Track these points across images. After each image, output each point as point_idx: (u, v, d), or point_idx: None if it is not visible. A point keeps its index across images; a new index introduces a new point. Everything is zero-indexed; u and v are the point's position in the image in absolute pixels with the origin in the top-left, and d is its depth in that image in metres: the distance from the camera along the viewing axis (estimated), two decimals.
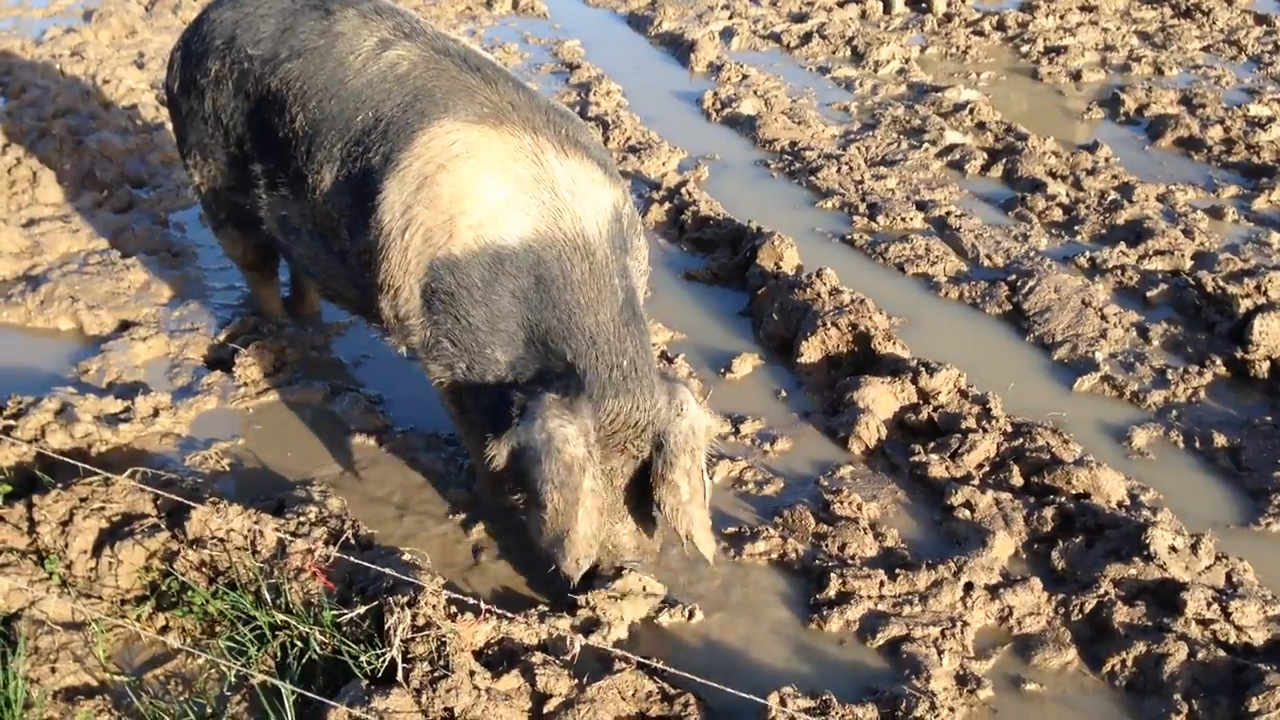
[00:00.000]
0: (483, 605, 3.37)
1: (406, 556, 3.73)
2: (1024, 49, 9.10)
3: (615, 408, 3.44)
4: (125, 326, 5.22)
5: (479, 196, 3.54)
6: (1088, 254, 5.89)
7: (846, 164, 6.95)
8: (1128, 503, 4.16)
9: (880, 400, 4.64)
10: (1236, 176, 6.91)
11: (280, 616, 3.49)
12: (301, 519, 3.88)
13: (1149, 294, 5.56)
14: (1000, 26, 9.54)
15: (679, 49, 9.03)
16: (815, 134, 7.44)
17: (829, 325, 4.98)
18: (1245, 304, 5.32)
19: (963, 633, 3.59)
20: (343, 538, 3.79)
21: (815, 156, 7.06)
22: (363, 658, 3.28)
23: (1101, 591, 3.71)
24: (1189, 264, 5.82)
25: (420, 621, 3.36)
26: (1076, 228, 6.23)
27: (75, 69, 8.07)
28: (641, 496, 3.60)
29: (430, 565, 3.76)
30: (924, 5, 10.06)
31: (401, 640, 3.31)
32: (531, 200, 3.54)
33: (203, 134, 4.46)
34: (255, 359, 4.89)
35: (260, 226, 4.39)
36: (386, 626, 3.31)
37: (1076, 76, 8.59)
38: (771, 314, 5.24)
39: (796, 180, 6.89)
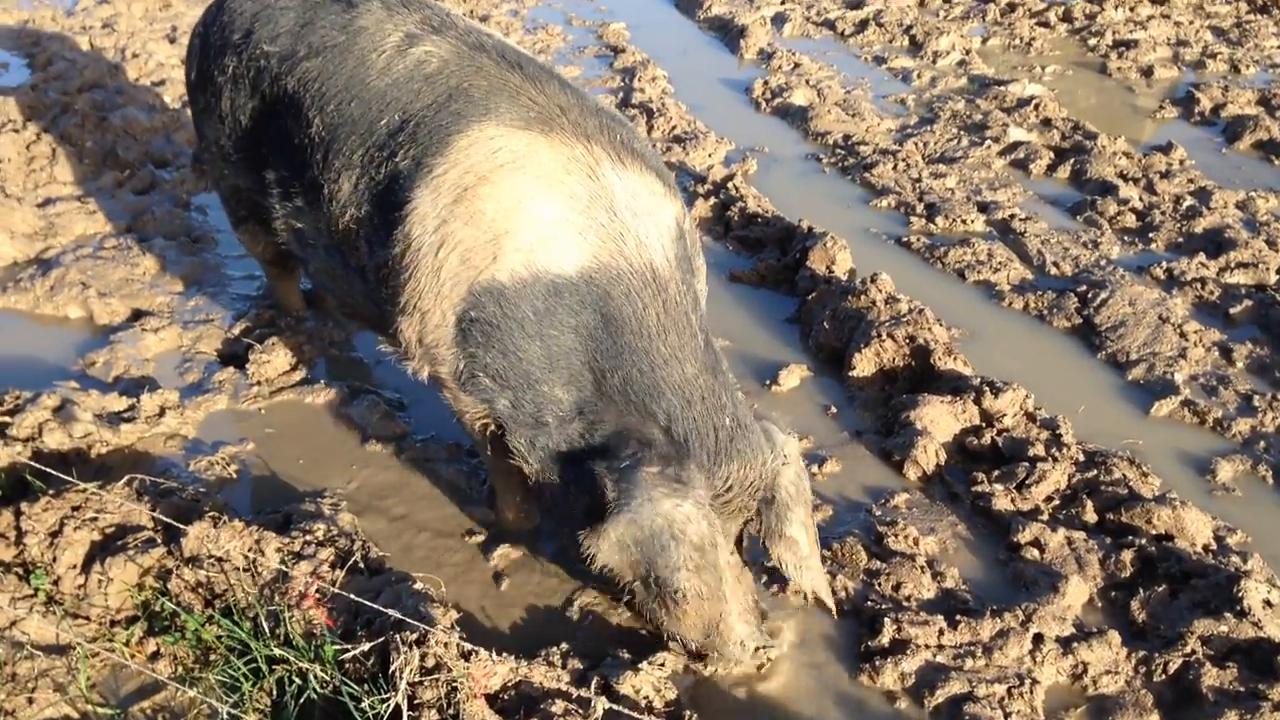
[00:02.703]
0: (493, 655, 3.05)
1: (418, 585, 3.41)
2: (1091, 42, 8.64)
3: (728, 474, 3.13)
4: (137, 316, 4.94)
5: (529, 215, 3.15)
6: (1164, 264, 5.48)
7: (903, 160, 6.56)
8: (1214, 546, 3.78)
9: (940, 421, 4.27)
10: None
11: (278, 649, 3.18)
12: (308, 538, 3.57)
13: (1232, 310, 5.14)
14: (1067, 18, 9.09)
15: (728, 34, 8.64)
16: (870, 127, 7.04)
17: (884, 337, 4.61)
18: None
19: (1032, 692, 3.24)
20: (350, 561, 3.47)
21: (870, 152, 6.67)
22: (365, 701, 2.97)
23: (1188, 650, 3.34)
24: (1275, 278, 5.39)
25: (430, 663, 3.05)
26: (1151, 235, 5.81)
27: (105, 41, 7.80)
28: (737, 544, 3.35)
29: (444, 595, 3.44)
30: None
31: (408, 684, 3.00)
32: (588, 221, 3.15)
33: (219, 132, 4.12)
34: (271, 355, 4.59)
35: (277, 233, 4.06)
36: (392, 668, 2.99)
37: (1148, 73, 8.14)
38: (822, 322, 4.87)
39: (849, 176, 6.50)
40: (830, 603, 3.37)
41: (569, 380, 3.19)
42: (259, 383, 4.52)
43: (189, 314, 4.97)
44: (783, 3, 9.27)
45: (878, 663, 3.32)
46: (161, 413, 4.28)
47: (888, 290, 4.92)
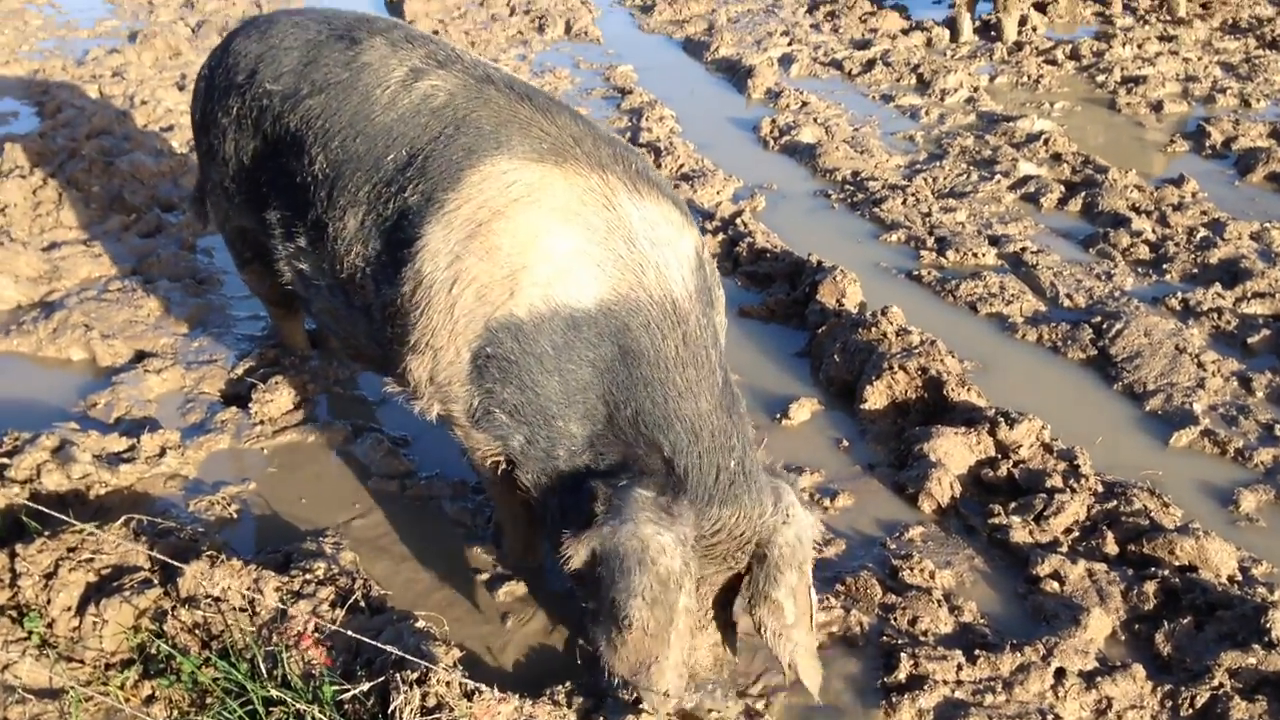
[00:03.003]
0: (496, 694, 2.94)
1: (420, 624, 3.32)
2: (1100, 79, 8.62)
3: (720, 516, 2.96)
4: (141, 357, 4.89)
5: (545, 249, 3.08)
6: (1179, 295, 5.40)
7: (912, 195, 6.51)
8: (1239, 577, 3.67)
9: (954, 453, 4.18)
10: None
11: (276, 690, 3.09)
12: (307, 576, 3.48)
13: (1250, 340, 5.05)
14: (1074, 55, 9.08)
15: (736, 75, 8.65)
16: (879, 164, 7.01)
17: (896, 368, 4.53)
18: None
19: None
20: (351, 599, 3.39)
21: (879, 187, 6.62)
22: None
23: (1215, 683, 3.23)
24: None
25: (431, 702, 2.95)
26: (1165, 266, 5.74)
27: (114, 89, 7.84)
28: (723, 601, 3.15)
29: (446, 634, 3.35)
30: (993, 34, 9.62)
31: None
32: (606, 253, 3.08)
33: (223, 175, 4.08)
34: (274, 395, 4.53)
35: (280, 274, 4.02)
36: (392, 708, 2.90)
37: (1157, 107, 8.10)
38: (833, 355, 4.80)
39: (859, 212, 6.45)
40: (813, 683, 3.05)
41: (584, 415, 3.11)
42: (262, 422, 4.46)
43: (192, 355, 4.92)
44: (790, 44, 9.28)
45: (895, 699, 3.22)
46: (162, 453, 4.22)
47: (899, 323, 4.85)
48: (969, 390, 4.49)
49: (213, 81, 4.12)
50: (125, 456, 4.17)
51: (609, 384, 3.07)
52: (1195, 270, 5.69)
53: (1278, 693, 3.19)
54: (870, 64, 8.78)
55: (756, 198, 6.46)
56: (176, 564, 3.35)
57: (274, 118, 3.73)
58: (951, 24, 9.67)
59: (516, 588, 3.66)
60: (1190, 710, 3.19)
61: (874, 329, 4.79)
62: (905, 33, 9.55)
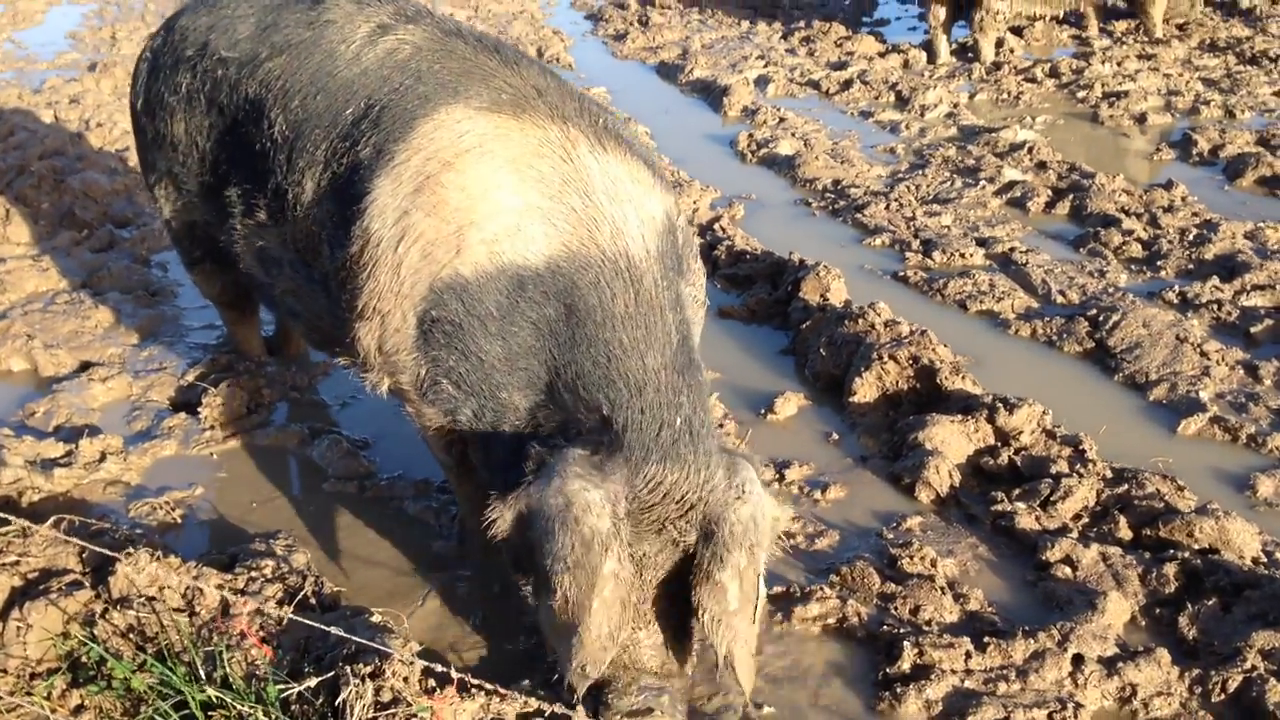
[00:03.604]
0: (468, 678, 2.64)
1: (376, 618, 3.03)
2: (1080, 94, 8.49)
3: (658, 475, 2.62)
4: (86, 367, 4.60)
5: (494, 203, 2.83)
6: (1176, 288, 5.19)
7: (895, 201, 6.31)
8: (1264, 560, 3.41)
9: (951, 441, 3.93)
10: None
11: (215, 693, 2.78)
12: (254, 574, 3.19)
13: (1253, 329, 4.83)
14: (1054, 73, 8.97)
15: (711, 95, 8.49)
16: (860, 173, 6.81)
17: (886, 359, 4.28)
18: None
19: (1075, 717, 2.84)
20: (300, 596, 3.09)
21: (861, 194, 6.42)
22: None
23: (1248, 665, 2.96)
24: None
25: (386, 696, 2.65)
26: (1160, 263, 5.53)
27: (70, 114, 7.61)
28: (675, 599, 2.73)
29: (406, 631, 3.05)
30: (970, 55, 9.52)
31: None
32: (559, 207, 2.83)
33: (172, 161, 3.83)
34: (225, 399, 4.24)
35: (238, 264, 3.76)
36: (339, 700, 2.60)
37: (1141, 119, 7.96)
38: (818, 349, 4.55)
39: (840, 218, 6.24)
40: (746, 679, 2.68)
41: (527, 384, 2.83)
42: (212, 427, 4.17)
43: (141, 364, 4.64)
44: (766, 66, 9.14)
45: (899, 690, 2.93)
46: (102, 458, 3.92)
47: (886, 315, 4.61)
48: (964, 378, 4.25)
49: (157, 62, 3.89)
50: (61, 462, 3.87)
51: (552, 347, 2.79)
52: (1191, 266, 5.49)
53: None
54: (848, 83, 8.64)
55: (735, 206, 6.24)
56: (111, 555, 3.04)
57: (230, 86, 3.49)
58: (928, 46, 9.57)
59: (483, 585, 3.37)
60: (1222, 695, 2.92)
61: (861, 320, 4.55)
62: (882, 55, 9.44)
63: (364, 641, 2.71)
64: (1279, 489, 3.81)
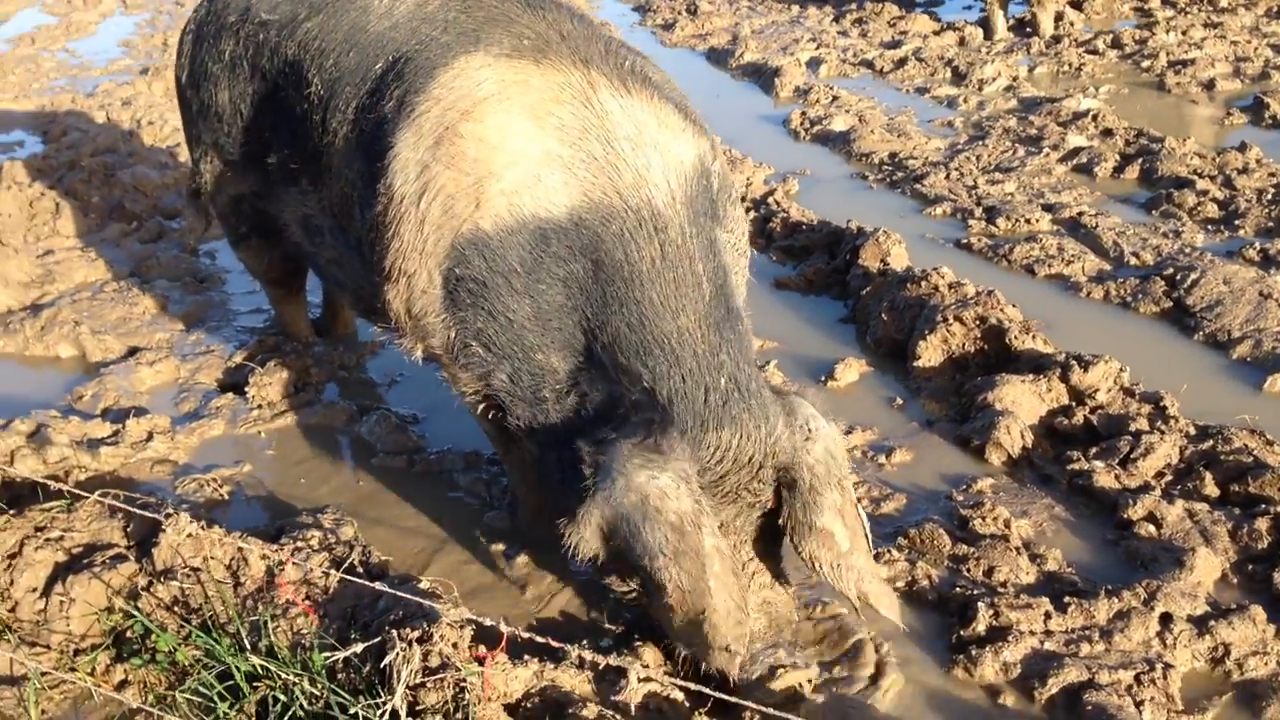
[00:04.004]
0: (519, 632, 2.51)
1: (425, 584, 2.92)
2: (1145, 64, 8.21)
3: (719, 442, 2.54)
4: (133, 352, 4.55)
5: (513, 152, 2.71)
6: (1257, 245, 4.94)
7: (956, 170, 6.11)
8: None
9: (1023, 402, 3.74)
10: None
11: (259, 662, 2.68)
12: (299, 545, 3.10)
13: None
14: (1116, 44, 8.69)
15: (762, 77, 8.32)
16: (917, 145, 6.61)
17: (952, 320, 4.11)
18: None
19: (1165, 678, 2.66)
20: (346, 564, 2.99)
21: (919, 165, 6.23)
22: (357, 707, 2.46)
23: None
24: None
25: (434, 662, 2.54)
26: (1237, 222, 5.28)
27: (122, 115, 7.63)
28: (767, 554, 2.72)
29: (456, 597, 2.93)
30: (1028, 30, 9.27)
31: (407, 686, 2.49)
32: (579, 155, 2.70)
33: (218, 132, 3.76)
34: (273, 379, 4.17)
35: (285, 235, 3.69)
36: (384, 664, 2.49)
37: (1209, 86, 7.67)
38: (880, 315, 4.38)
39: (899, 190, 6.05)
40: (890, 609, 2.68)
41: (563, 345, 2.71)
42: (260, 406, 4.10)
43: (189, 348, 4.58)
44: (817, 48, 8.96)
45: (974, 653, 2.77)
46: (149, 438, 3.86)
47: (950, 278, 4.43)
48: (1034, 338, 4.06)
49: (200, 32, 3.83)
50: (108, 441, 3.81)
51: (584, 306, 2.67)
52: (1271, 224, 5.23)
53: None
54: (902, 61, 8.44)
55: (789, 182, 6.07)
56: (152, 517, 2.96)
57: (271, 50, 3.42)
58: (985, 23, 9.33)
59: (534, 556, 3.25)
60: None
61: (924, 283, 4.37)
62: (937, 34, 9.21)
63: (412, 598, 2.60)
64: None
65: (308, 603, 2.84)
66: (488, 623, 2.48)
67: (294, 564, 2.95)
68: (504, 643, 2.48)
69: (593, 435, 2.58)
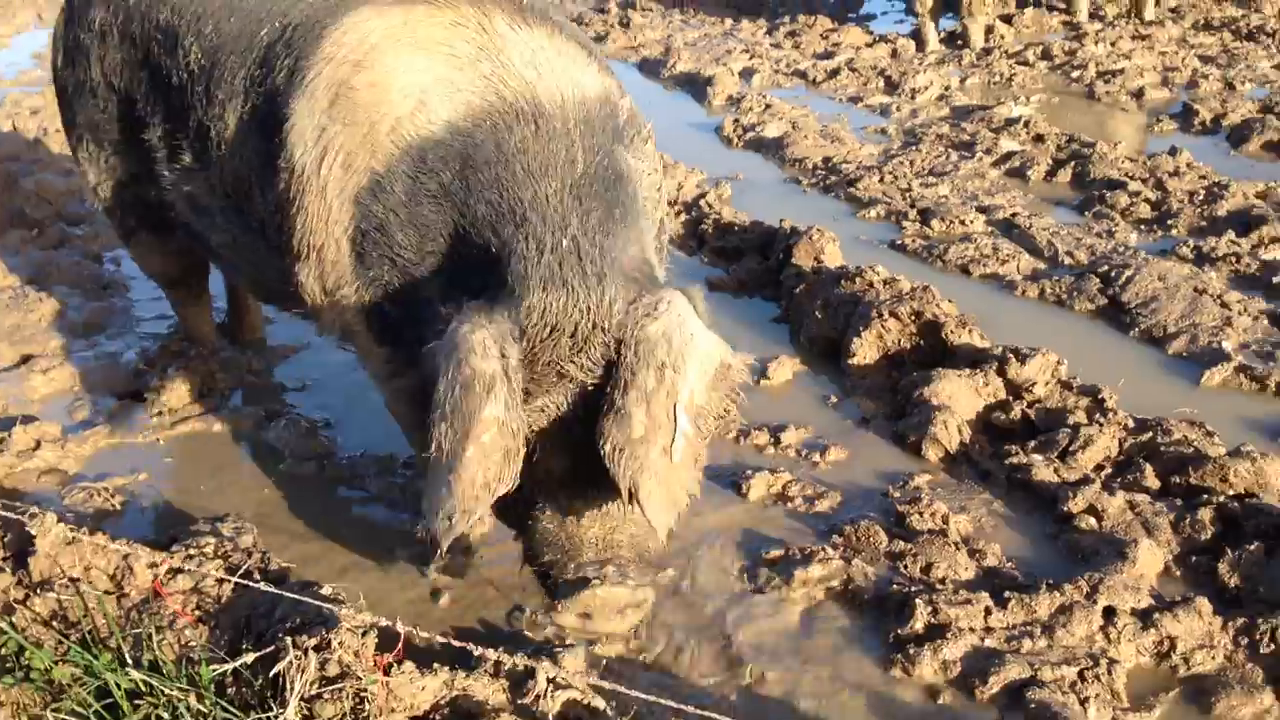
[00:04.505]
0: (416, 632, 2.32)
1: (327, 590, 2.71)
2: (1074, 74, 8.24)
3: (541, 304, 2.27)
4: (26, 360, 4.28)
5: (403, 87, 2.56)
6: (1190, 243, 4.90)
7: (890, 174, 6.03)
8: None
9: (959, 396, 3.62)
10: None
11: (142, 677, 2.45)
12: (192, 552, 2.87)
13: (1275, 280, 4.53)
14: (1046, 55, 8.72)
15: (695, 86, 8.22)
16: (851, 150, 6.53)
17: (887, 316, 3.98)
18: None
19: (1110, 674, 2.53)
20: (241, 571, 2.77)
21: (853, 169, 6.13)
22: None
23: None
24: None
25: (332, 671, 2.34)
26: (1170, 222, 5.23)
27: (29, 123, 7.33)
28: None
29: (362, 604, 2.72)
30: (960, 43, 9.28)
31: (302, 698, 2.28)
32: (468, 76, 2.55)
33: (93, 111, 3.53)
34: (174, 385, 3.93)
35: (177, 224, 3.45)
36: (274, 673, 2.28)
37: (1138, 95, 7.70)
38: (813, 313, 4.24)
39: (832, 193, 5.95)
40: (657, 515, 2.26)
41: (434, 268, 2.50)
42: (160, 413, 3.86)
43: (87, 355, 4.32)
44: (751, 59, 8.89)
45: (912, 651, 2.62)
46: (36, 446, 3.61)
47: (885, 274, 4.31)
48: (970, 332, 3.95)
49: (72, 10, 3.60)
50: None
51: (452, 213, 2.47)
52: (1203, 223, 5.20)
53: None
54: (835, 72, 8.39)
55: (722, 186, 5.93)
56: (15, 518, 2.73)
57: (142, 15, 3.21)
58: (917, 35, 9.32)
59: (450, 561, 3.05)
60: (1272, 645, 2.61)
61: (859, 280, 4.25)
62: (869, 45, 9.19)
63: (311, 601, 2.40)
64: None
65: (200, 622, 2.62)
66: (396, 628, 2.29)
67: (184, 572, 2.73)
68: (401, 646, 2.28)
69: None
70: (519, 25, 2.64)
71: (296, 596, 2.44)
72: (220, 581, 2.74)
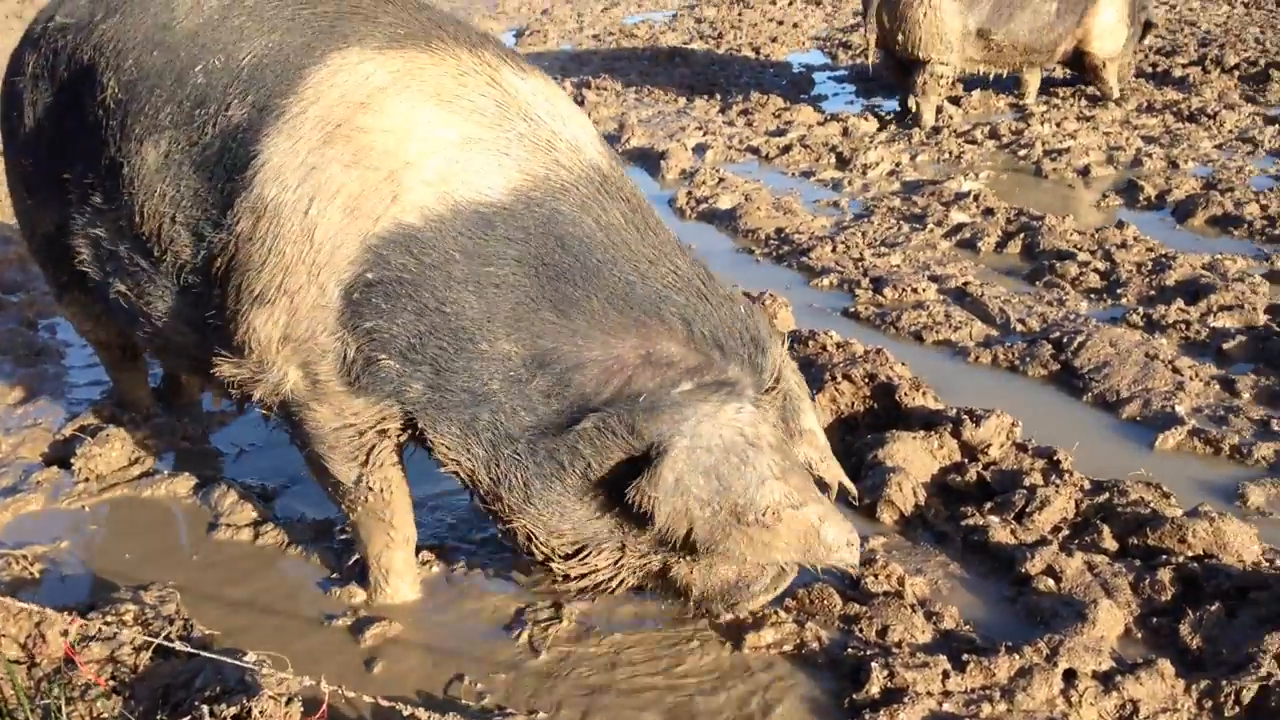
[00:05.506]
0: (345, 694, 2.18)
1: (251, 658, 2.56)
2: (1022, 153, 8.33)
3: (772, 364, 2.67)
4: None
5: (428, 139, 2.55)
6: (1140, 311, 4.90)
7: (842, 244, 6.02)
8: (1265, 563, 3.03)
9: (914, 459, 3.55)
10: None
11: None
12: (110, 620, 2.72)
13: (1225, 346, 4.54)
14: (994, 134, 8.83)
15: (648, 161, 8.23)
16: (804, 222, 6.53)
17: (840, 378, 3.92)
18: None
19: None
20: (161, 638, 2.62)
21: (806, 239, 6.12)
22: None
23: (1263, 672, 2.57)
24: (1263, 318, 4.81)
25: None
26: (1120, 290, 5.25)
27: None
28: None
29: (290, 672, 2.57)
30: (910, 122, 9.39)
31: None
32: (504, 135, 2.59)
33: (25, 159, 3.41)
34: (103, 451, 3.78)
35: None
36: None
37: (1084, 173, 7.79)
38: None
39: (785, 263, 5.93)
40: (852, 488, 2.98)
41: (514, 327, 2.52)
42: (87, 479, 3.71)
43: (14, 421, 4.16)
44: (704, 135, 8.92)
45: (868, 716, 2.51)
46: None
47: (838, 338, 4.26)
48: (924, 394, 3.89)
49: (14, 57, 3.51)
50: None
51: (551, 281, 2.53)
52: (1153, 292, 5.21)
53: None
54: (788, 148, 8.43)
55: None
56: None
57: (68, 57, 3.12)
58: (894, 112, 9.42)
59: (388, 628, 2.92)
60: (1236, 707, 2.55)
61: (811, 343, 4.20)
62: (821, 124, 9.26)
63: (232, 662, 2.26)
64: (1271, 498, 3.48)
65: (112, 682, 2.47)
66: (321, 691, 2.15)
67: (100, 639, 2.58)
68: (324, 711, 2.14)
69: (611, 408, 2.48)
70: (521, 73, 2.72)
71: (218, 657, 2.29)
72: (138, 649, 2.60)
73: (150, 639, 2.61)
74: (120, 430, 3.89)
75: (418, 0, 2.88)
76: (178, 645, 2.37)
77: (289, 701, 2.30)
